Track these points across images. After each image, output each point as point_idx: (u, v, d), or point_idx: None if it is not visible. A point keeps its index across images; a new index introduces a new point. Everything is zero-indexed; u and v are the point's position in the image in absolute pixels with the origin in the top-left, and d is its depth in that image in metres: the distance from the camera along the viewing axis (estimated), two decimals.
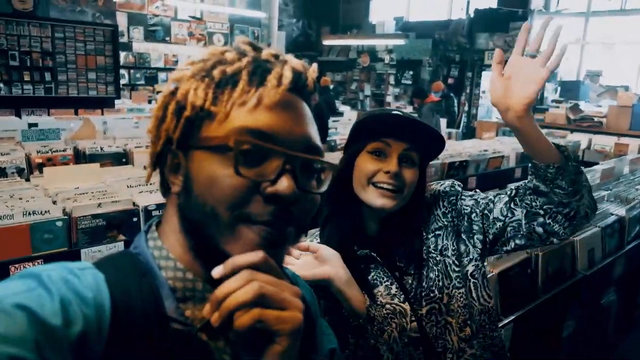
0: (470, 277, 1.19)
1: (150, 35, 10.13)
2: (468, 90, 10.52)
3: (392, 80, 12.12)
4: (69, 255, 1.83)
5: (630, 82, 8.55)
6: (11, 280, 0.55)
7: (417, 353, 1.13)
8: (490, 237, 1.18)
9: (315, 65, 0.71)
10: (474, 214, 1.20)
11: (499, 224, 1.16)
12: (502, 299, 1.75)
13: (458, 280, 1.17)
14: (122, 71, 8.73)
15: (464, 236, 1.21)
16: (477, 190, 1.29)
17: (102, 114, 5.20)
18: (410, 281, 1.17)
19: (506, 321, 1.69)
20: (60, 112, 5.00)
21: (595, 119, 6.86)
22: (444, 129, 6.72)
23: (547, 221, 1.09)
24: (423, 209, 1.23)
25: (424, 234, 1.21)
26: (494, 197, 1.20)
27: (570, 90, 8.50)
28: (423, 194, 1.23)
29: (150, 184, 2.34)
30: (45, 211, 1.84)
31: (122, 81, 8.87)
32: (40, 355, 0.48)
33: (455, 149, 4.20)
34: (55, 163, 2.78)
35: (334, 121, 6.16)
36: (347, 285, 1.08)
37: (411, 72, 11.64)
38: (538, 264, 1.96)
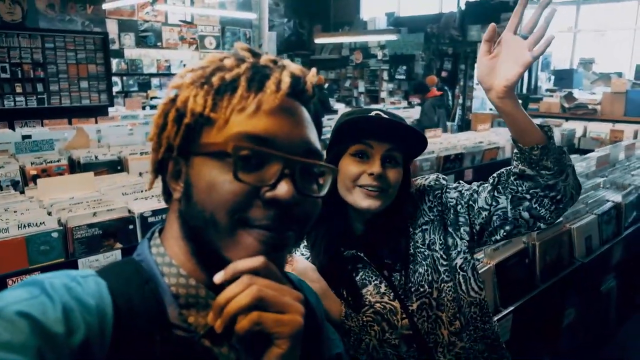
0: (459, 270, 1.19)
1: (142, 41, 10.10)
2: (462, 83, 10.52)
3: (385, 76, 12.11)
4: (66, 266, 1.82)
5: (623, 69, 8.55)
6: (14, 289, 0.55)
7: (411, 351, 1.13)
8: (477, 227, 1.18)
9: (314, 70, 0.71)
10: (459, 206, 1.20)
11: (484, 213, 1.16)
12: (500, 290, 1.75)
13: (446, 274, 1.17)
14: (114, 78, 8.72)
15: (450, 229, 1.21)
16: (461, 181, 1.29)
17: (96, 122, 5.20)
18: (398, 277, 1.17)
19: (505, 312, 1.69)
20: (54, 123, 4.99)
21: (590, 107, 6.87)
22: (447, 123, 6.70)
23: (534, 205, 1.09)
24: (409, 206, 1.23)
25: (411, 229, 1.22)
26: (478, 187, 1.20)
27: (563, 78, 8.50)
28: (408, 191, 1.24)
29: (147, 190, 2.34)
30: (41, 223, 1.84)
31: (115, 88, 8.86)
32: None
33: (451, 141, 4.20)
34: (50, 174, 2.77)
35: (328, 119, 6.14)
36: (322, 298, 1.06)
37: (404, 67, 11.63)
38: (535, 253, 1.96)
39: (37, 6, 5.77)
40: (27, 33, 5.61)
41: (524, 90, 8.81)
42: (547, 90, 8.43)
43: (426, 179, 1.28)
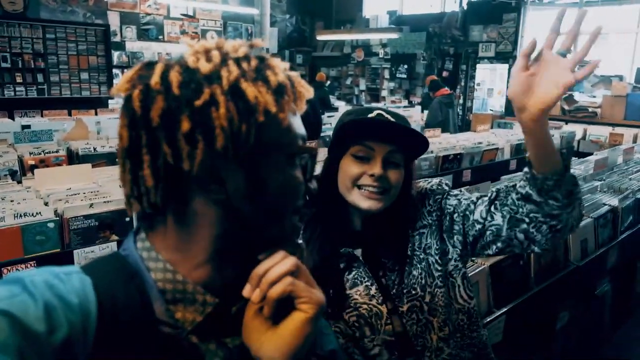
0: (448, 276, 1.18)
1: (143, 34, 10.08)
2: (463, 83, 10.51)
3: (387, 74, 12.10)
4: (62, 256, 1.83)
5: (624, 72, 8.55)
6: None
7: (392, 359, 1.13)
8: (470, 238, 1.17)
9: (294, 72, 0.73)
10: (455, 214, 1.19)
11: (478, 226, 1.14)
12: (494, 292, 1.76)
13: (440, 279, 1.17)
14: (115, 71, 8.69)
15: (445, 235, 1.20)
16: (462, 190, 1.28)
17: (96, 114, 5.19)
18: (393, 277, 1.17)
19: (499, 313, 1.69)
20: (54, 113, 4.99)
21: (590, 110, 6.87)
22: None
23: (531, 230, 1.05)
24: (409, 208, 1.22)
25: (410, 231, 1.21)
26: (477, 199, 1.18)
27: None
28: (409, 193, 1.22)
29: None
30: (37, 213, 1.84)
31: (116, 81, 8.83)
32: None
33: (450, 142, 4.20)
34: (48, 164, 2.77)
35: (328, 116, 6.15)
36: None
37: (405, 66, 11.63)
38: (530, 255, 1.96)
39: None
40: (28, 23, 5.60)
41: None
42: None
43: (429, 183, 1.28)
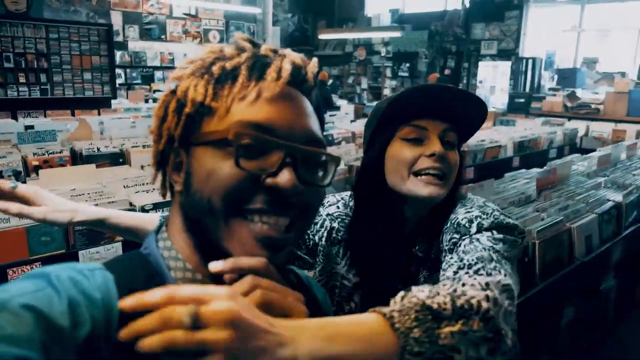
0: None
1: (146, 34, 10.09)
2: (465, 81, 10.49)
3: (389, 73, 12.08)
4: (67, 257, 1.83)
5: (627, 69, 8.52)
6: (20, 281, 0.55)
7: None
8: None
9: (315, 60, 0.71)
10: (443, 253, 1.04)
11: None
12: None
13: None
14: (118, 70, 8.71)
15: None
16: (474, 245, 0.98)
17: (99, 114, 5.20)
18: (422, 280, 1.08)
19: None
20: (57, 114, 5.00)
21: (593, 106, 6.85)
22: None
23: None
24: (458, 201, 1.09)
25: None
26: (457, 270, 0.92)
27: (566, 77, 8.47)
28: (460, 183, 1.11)
29: (150, 183, 2.35)
30: None
31: (119, 81, 8.86)
32: (47, 356, 0.48)
33: None
34: (52, 165, 2.77)
35: (330, 115, 6.15)
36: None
37: (407, 65, 11.61)
38: (535, 252, 1.96)
39: None
40: (31, 23, 5.60)
41: (527, 89, 8.79)
42: (550, 89, 8.41)
43: (469, 209, 1.04)
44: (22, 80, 5.60)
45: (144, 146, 3.18)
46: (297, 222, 0.65)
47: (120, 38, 9.54)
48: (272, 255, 0.63)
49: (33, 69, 5.65)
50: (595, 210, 2.38)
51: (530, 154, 4.50)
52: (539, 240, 1.96)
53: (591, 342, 2.55)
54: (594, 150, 4.10)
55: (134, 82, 9.93)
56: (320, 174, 0.68)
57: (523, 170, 3.13)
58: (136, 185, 2.31)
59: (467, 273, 0.84)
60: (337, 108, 7.73)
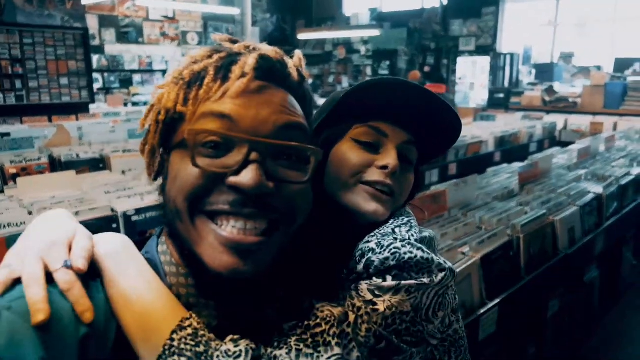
0: None
1: (123, 37, 9.96)
2: (444, 77, 10.57)
3: (369, 71, 12.13)
4: None
5: (602, 62, 8.68)
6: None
7: None
8: None
9: (298, 52, 0.70)
10: None
11: None
12: (486, 283, 1.77)
13: None
14: (95, 75, 8.58)
15: None
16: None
17: (77, 119, 5.11)
18: None
19: (491, 305, 1.70)
20: (34, 120, 4.90)
21: (570, 100, 6.97)
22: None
23: None
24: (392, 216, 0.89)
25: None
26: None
27: (544, 72, 8.60)
28: (406, 204, 0.93)
29: (129, 188, 2.31)
30: (22, 223, 1.80)
31: (97, 85, 8.73)
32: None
33: None
34: (31, 172, 2.71)
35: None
36: None
37: (388, 62, 11.67)
38: (520, 245, 1.98)
39: (14, 1, 5.64)
40: (4, 28, 5.49)
41: (506, 85, 8.90)
42: (528, 84, 8.53)
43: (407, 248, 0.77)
44: None
45: (124, 151, 3.13)
46: (278, 225, 0.62)
47: (96, 42, 9.40)
48: (244, 262, 0.59)
49: (8, 75, 5.54)
50: (577, 202, 2.41)
51: (511, 149, 4.56)
52: (523, 234, 1.98)
53: (577, 333, 2.59)
54: (573, 142, 4.17)
55: (112, 86, 9.80)
56: (298, 170, 0.63)
57: (505, 165, 3.17)
58: (117, 190, 2.27)
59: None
60: (318, 107, 7.73)
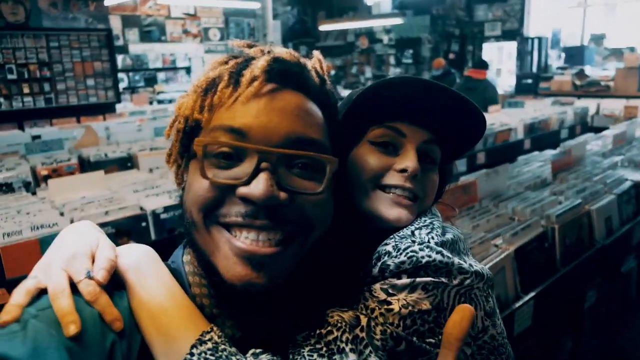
0: None
1: (146, 36, 10.07)
2: (470, 64, 10.37)
3: (392, 60, 11.99)
4: None
5: (636, 43, 8.37)
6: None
7: None
8: None
9: (317, 54, 0.68)
10: None
11: None
12: (520, 275, 1.72)
13: None
14: (120, 74, 8.70)
15: None
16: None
17: (104, 119, 5.20)
18: None
19: (526, 298, 1.66)
20: (62, 122, 5.00)
21: (602, 83, 6.75)
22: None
23: None
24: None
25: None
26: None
27: (574, 55, 8.35)
28: (435, 201, 0.88)
29: (157, 186, 2.33)
30: (54, 224, 1.83)
31: (122, 85, 8.85)
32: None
33: None
34: (61, 173, 2.77)
35: None
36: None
37: (411, 51, 11.51)
38: (555, 236, 1.92)
39: (39, 5, 5.75)
40: (31, 33, 5.60)
41: (534, 70, 8.67)
42: (557, 68, 8.29)
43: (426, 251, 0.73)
44: (26, 90, 5.62)
45: (151, 149, 3.17)
46: (295, 237, 0.60)
47: (120, 42, 9.52)
48: (257, 273, 0.58)
49: (36, 78, 5.66)
50: (613, 190, 2.32)
51: (541, 136, 4.43)
52: (558, 225, 1.92)
53: (614, 324, 2.51)
54: (606, 128, 4.03)
55: (137, 85, 9.92)
56: (313, 180, 0.61)
57: (536, 152, 3.08)
58: (146, 189, 2.29)
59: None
60: (342, 99, 7.69)
